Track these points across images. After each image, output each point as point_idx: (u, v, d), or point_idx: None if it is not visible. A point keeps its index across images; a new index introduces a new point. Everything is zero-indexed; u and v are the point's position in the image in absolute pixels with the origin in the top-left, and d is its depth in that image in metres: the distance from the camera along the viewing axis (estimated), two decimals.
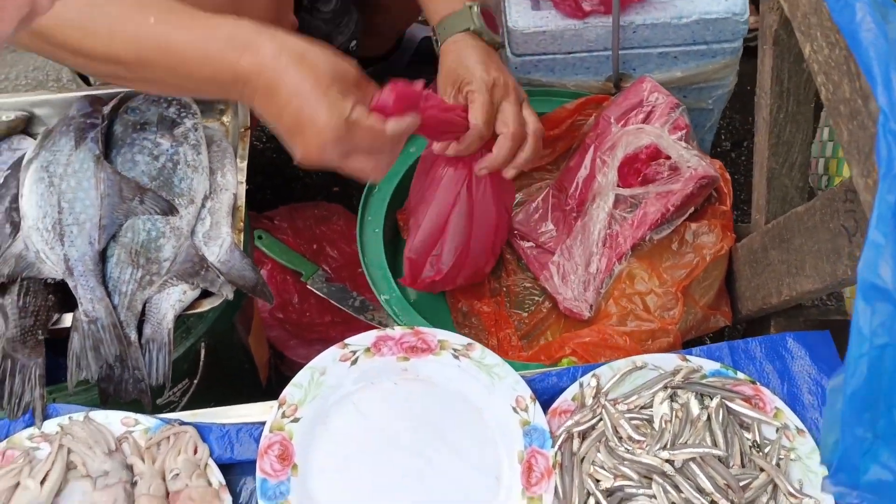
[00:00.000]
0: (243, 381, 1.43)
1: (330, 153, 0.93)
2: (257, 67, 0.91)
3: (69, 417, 1.00)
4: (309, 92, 0.90)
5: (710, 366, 1.04)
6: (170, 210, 1.07)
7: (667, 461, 0.95)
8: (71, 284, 1.04)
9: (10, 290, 1.04)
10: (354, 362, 1.04)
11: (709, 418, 0.99)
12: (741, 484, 0.94)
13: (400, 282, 1.29)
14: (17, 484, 0.94)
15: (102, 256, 1.05)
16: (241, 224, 1.14)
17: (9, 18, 0.42)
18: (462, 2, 1.22)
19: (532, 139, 1.19)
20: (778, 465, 0.97)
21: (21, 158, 1.15)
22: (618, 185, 1.24)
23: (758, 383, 1.03)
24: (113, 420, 1.01)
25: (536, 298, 1.35)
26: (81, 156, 1.07)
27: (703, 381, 1.03)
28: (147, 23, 0.93)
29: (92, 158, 1.07)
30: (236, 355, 1.36)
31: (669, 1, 1.39)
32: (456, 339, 1.06)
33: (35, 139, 1.23)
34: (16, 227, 1.08)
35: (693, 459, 0.95)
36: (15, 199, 1.10)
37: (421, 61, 1.99)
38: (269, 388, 1.51)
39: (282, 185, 1.94)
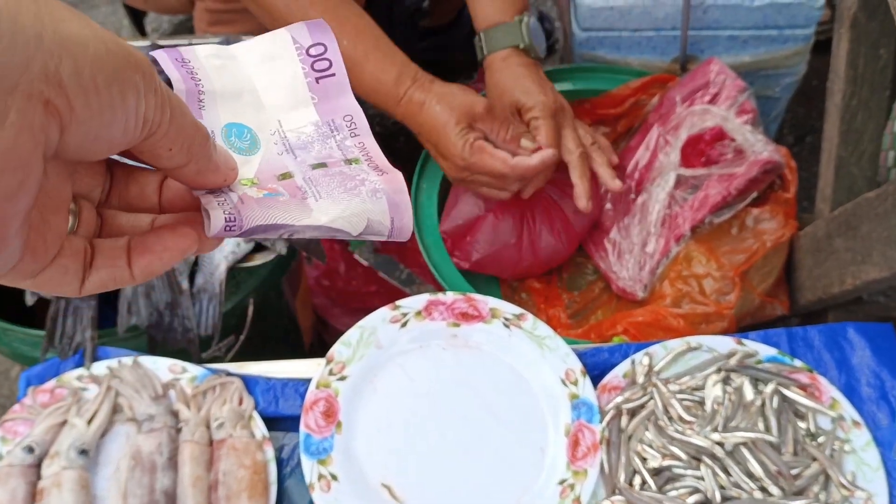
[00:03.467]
0: (287, 343, 1.43)
1: (462, 175, 1.16)
2: (413, 109, 1.15)
3: (118, 361, 1.01)
4: (443, 127, 1.13)
5: (766, 351, 1.02)
6: None
7: (717, 443, 0.93)
8: None
9: None
10: (404, 325, 1.03)
11: (763, 404, 0.97)
12: (793, 472, 0.92)
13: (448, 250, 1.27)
14: (65, 421, 0.95)
15: None
16: None
17: (169, 260, 0.42)
18: (512, 14, 1.20)
19: (599, 151, 1.20)
20: (832, 455, 0.95)
21: None
22: (680, 166, 1.21)
23: (815, 372, 1.01)
24: (161, 366, 1.01)
25: (589, 278, 1.33)
26: None
27: (759, 366, 1.00)
28: (341, 43, 1.02)
29: None
30: (282, 317, 1.36)
31: None
32: (508, 308, 1.05)
33: None
34: None
35: (744, 444, 0.93)
36: None
37: None
38: (312, 353, 1.51)
39: None
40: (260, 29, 1.32)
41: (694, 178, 1.21)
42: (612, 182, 1.17)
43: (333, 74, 0.44)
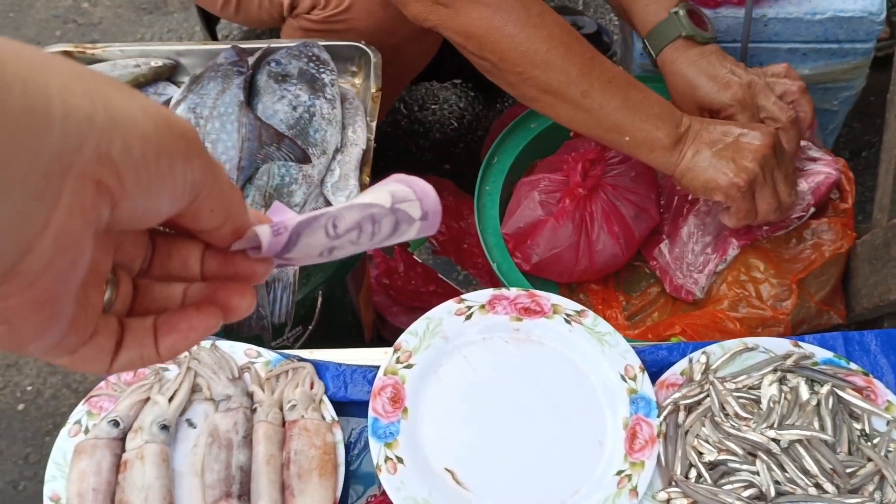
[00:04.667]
0: (349, 337, 1.48)
1: (767, 162, 1.09)
2: (698, 125, 1.11)
3: (197, 344, 1.06)
4: (738, 124, 1.12)
5: (822, 354, 1.04)
6: (304, 158, 1.12)
7: (773, 440, 0.95)
8: None
9: None
10: (469, 317, 1.07)
11: (818, 404, 0.99)
12: (847, 471, 0.94)
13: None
14: (148, 398, 1.00)
15: None
16: (368, 179, 1.18)
17: (194, 339, 0.43)
18: (667, 9, 1.23)
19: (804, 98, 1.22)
20: (886, 456, 0.97)
21: (167, 102, 1.22)
22: None
23: (871, 375, 1.02)
24: (237, 350, 1.06)
25: (645, 282, 1.36)
26: (227, 100, 1.13)
27: (815, 368, 1.02)
28: (615, 69, 1.13)
29: (236, 103, 1.13)
30: (346, 312, 1.41)
31: None
32: (569, 305, 1.08)
33: (178, 86, 1.30)
34: None
35: (800, 441, 0.95)
36: None
37: None
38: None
39: (394, 159, 1.99)
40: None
41: None
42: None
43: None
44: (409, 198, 0.45)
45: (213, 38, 1.98)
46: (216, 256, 0.44)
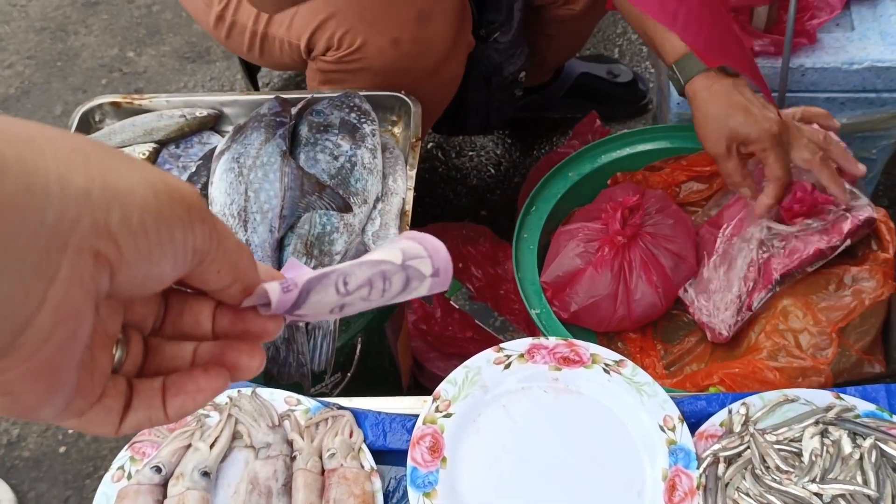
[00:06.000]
0: (387, 383, 1.48)
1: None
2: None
3: (238, 391, 1.07)
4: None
5: (864, 406, 1.03)
6: (345, 207, 1.13)
7: (816, 494, 0.94)
8: None
9: None
10: (508, 366, 1.07)
11: (861, 458, 0.98)
12: None
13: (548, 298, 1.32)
14: (189, 445, 1.01)
15: (280, 245, 1.13)
16: (408, 227, 1.20)
17: (202, 401, 0.43)
18: None
19: (834, 143, 1.24)
20: None
21: (211, 151, 1.25)
22: (781, 221, 1.24)
23: None
24: (277, 398, 1.07)
25: (684, 331, 1.36)
26: (269, 150, 1.15)
27: (857, 420, 1.01)
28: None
29: (279, 153, 1.15)
30: (384, 357, 1.42)
31: (841, 46, 1.39)
32: (608, 355, 1.08)
33: (222, 136, 1.33)
34: None
35: (843, 496, 0.94)
36: (205, 186, 1.19)
37: (576, 95, 2.03)
38: (409, 395, 1.55)
39: (431, 205, 2.00)
40: (368, 87, 1.40)
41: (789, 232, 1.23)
42: (857, 169, 1.21)
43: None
44: (420, 255, 0.46)
45: (255, 86, 2.01)
46: (227, 314, 0.44)
